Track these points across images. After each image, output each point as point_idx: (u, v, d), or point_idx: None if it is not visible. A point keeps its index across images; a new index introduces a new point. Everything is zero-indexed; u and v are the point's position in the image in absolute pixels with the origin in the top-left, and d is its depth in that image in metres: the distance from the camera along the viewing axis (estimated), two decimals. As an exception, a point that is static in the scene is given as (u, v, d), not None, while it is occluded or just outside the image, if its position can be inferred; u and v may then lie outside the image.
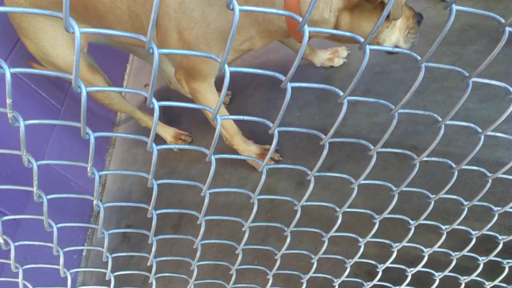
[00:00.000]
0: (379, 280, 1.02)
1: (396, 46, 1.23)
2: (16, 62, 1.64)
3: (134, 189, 1.97)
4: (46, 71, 0.47)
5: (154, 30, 0.41)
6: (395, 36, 1.21)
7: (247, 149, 1.64)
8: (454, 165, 0.76)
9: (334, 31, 0.48)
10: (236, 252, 0.89)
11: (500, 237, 0.97)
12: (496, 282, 1.08)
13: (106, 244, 0.79)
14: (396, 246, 0.94)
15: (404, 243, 0.92)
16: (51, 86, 1.84)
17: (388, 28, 1.18)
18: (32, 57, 1.47)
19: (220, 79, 1.44)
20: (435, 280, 1.06)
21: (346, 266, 0.97)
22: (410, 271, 1.02)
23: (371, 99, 0.60)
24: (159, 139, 1.97)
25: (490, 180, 0.81)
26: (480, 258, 1.01)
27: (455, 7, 0.50)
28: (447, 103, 1.54)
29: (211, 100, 1.43)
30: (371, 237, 0.89)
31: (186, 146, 0.63)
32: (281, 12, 0.47)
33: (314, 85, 0.55)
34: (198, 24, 1.15)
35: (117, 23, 1.26)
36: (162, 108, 0.51)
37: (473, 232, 0.94)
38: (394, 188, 0.79)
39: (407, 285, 1.05)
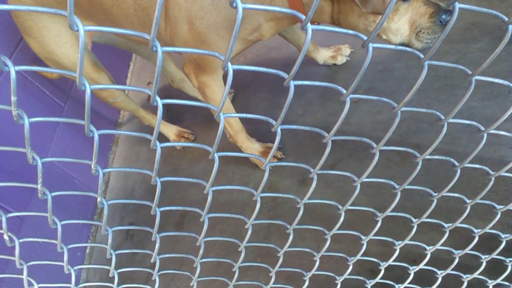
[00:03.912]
0: (381, 278, 1.02)
1: (403, 43, 1.18)
2: (19, 61, 1.64)
3: (137, 187, 1.98)
4: (51, 69, 0.48)
5: (158, 26, 0.41)
6: (399, 32, 1.16)
7: (250, 147, 1.64)
8: (457, 163, 0.76)
9: (336, 29, 0.48)
10: (239, 249, 0.89)
11: (503, 236, 0.97)
12: (498, 281, 1.08)
13: (110, 241, 0.79)
14: (399, 244, 0.94)
15: (407, 241, 0.93)
16: (54, 85, 1.85)
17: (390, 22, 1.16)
18: (35, 57, 1.47)
19: (223, 76, 1.45)
20: (437, 278, 1.06)
21: (349, 264, 0.97)
22: (413, 269, 1.02)
23: (374, 97, 0.60)
24: (162, 137, 1.98)
25: (493, 179, 0.81)
26: (483, 257, 1.01)
27: (458, 5, 0.50)
28: (450, 102, 1.54)
29: (219, 94, 1.43)
30: (374, 235, 0.89)
31: (190, 144, 0.63)
32: (284, 10, 0.47)
33: (317, 83, 0.55)
34: (209, 12, 1.16)
35: (123, 18, 1.26)
36: (165, 107, 0.51)
37: (475, 231, 0.94)
38: (397, 186, 0.79)
39: (410, 283, 1.05)
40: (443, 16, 1.10)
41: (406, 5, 1.12)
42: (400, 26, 1.15)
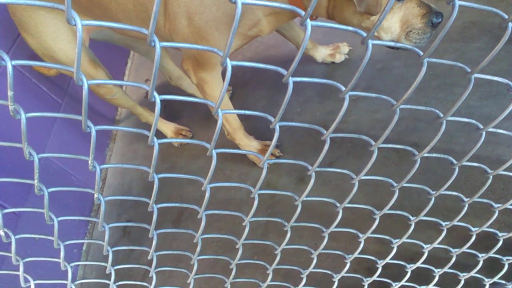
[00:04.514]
0: (378, 276, 1.02)
1: (392, 42, 1.21)
2: (16, 57, 1.63)
3: (134, 184, 1.97)
4: (48, 64, 0.47)
5: (156, 22, 0.40)
6: (390, 30, 1.18)
7: (248, 144, 1.64)
8: (455, 162, 0.76)
9: (336, 25, 0.48)
10: (236, 246, 0.89)
11: (500, 234, 0.97)
12: (495, 279, 1.08)
13: (106, 237, 0.79)
14: (396, 242, 0.94)
15: (404, 239, 0.93)
16: (51, 82, 1.84)
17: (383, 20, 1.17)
18: (32, 54, 1.46)
19: (222, 73, 1.44)
20: (434, 276, 1.06)
21: (346, 262, 0.97)
22: (410, 267, 1.02)
23: (373, 95, 0.60)
24: (159, 135, 1.97)
25: (491, 177, 0.81)
26: (480, 255, 1.02)
27: (458, 2, 0.49)
28: (449, 100, 1.54)
29: (218, 91, 1.42)
30: (371, 233, 0.89)
31: (187, 140, 0.63)
32: (283, 5, 0.46)
33: (316, 79, 0.55)
34: (209, 7, 1.16)
35: (121, 13, 1.25)
36: (162, 104, 0.51)
37: (473, 229, 0.95)
38: (395, 184, 0.79)
39: (407, 281, 1.05)
40: (434, 19, 1.13)
41: (400, 4, 1.14)
42: (391, 24, 1.17)
